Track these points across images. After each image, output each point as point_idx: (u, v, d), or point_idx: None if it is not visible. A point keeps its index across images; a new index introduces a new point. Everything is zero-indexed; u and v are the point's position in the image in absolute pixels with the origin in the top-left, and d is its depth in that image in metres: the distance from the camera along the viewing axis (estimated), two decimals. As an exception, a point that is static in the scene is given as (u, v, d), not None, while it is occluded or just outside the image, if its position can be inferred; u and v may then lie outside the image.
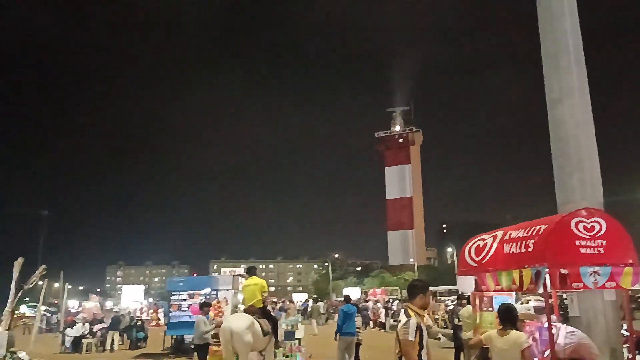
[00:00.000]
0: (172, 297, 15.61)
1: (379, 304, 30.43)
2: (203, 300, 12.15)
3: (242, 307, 12.08)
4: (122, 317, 22.09)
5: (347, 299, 11.92)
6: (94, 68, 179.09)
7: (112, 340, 18.59)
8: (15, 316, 16.92)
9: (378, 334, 22.80)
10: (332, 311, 33.90)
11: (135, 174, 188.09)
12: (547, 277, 4.61)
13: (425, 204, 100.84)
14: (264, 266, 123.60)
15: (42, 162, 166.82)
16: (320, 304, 31.42)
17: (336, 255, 79.43)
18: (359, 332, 11.33)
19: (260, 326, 8.42)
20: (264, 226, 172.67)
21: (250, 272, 9.39)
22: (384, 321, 25.64)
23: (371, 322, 26.92)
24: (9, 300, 15.83)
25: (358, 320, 11.50)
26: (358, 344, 11.23)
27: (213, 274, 38.38)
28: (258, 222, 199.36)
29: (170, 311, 15.58)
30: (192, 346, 13.74)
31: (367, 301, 35.17)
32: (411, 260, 79.83)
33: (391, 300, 32.36)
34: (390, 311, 25.63)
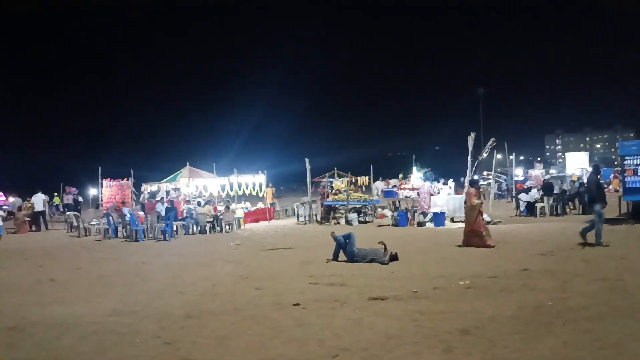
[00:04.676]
0: (626, 162, 15.12)
1: None
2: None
3: None
4: (563, 184, 22.36)
5: None
6: None
7: (561, 205, 19.26)
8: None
9: None
10: None
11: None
12: None
13: None
14: None
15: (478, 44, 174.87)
16: None
17: None
18: None
19: None
20: None
21: None
22: None
23: None
24: (468, 170, 18.44)
25: None
26: None
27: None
28: None
29: (625, 176, 15.14)
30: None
31: None
32: None
33: None
34: None
